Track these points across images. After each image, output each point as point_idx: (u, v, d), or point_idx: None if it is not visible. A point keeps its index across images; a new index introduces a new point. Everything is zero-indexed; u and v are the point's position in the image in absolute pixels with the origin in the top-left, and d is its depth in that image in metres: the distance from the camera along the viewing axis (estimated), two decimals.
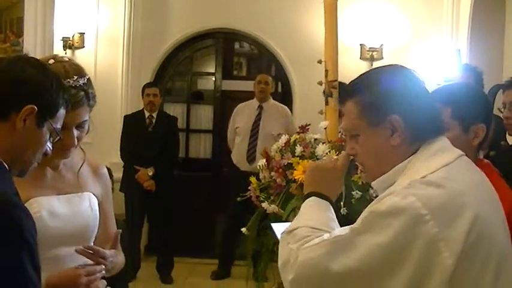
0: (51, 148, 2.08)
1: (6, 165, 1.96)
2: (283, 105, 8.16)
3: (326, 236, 1.98)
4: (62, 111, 2.07)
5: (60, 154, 2.48)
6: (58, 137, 2.09)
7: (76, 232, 2.52)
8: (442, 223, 1.79)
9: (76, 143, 2.46)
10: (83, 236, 2.57)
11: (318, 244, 1.96)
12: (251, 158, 7.73)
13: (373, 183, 2.13)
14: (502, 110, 3.92)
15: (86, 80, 2.47)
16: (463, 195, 1.87)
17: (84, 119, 2.47)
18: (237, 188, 6.95)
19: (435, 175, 1.92)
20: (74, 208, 2.54)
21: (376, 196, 2.02)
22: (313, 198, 2.26)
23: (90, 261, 2.47)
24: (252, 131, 7.84)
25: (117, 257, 2.63)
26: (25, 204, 2.34)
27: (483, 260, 1.83)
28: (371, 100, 2.03)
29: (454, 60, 7.16)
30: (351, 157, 2.21)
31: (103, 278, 2.52)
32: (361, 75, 2.17)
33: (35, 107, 1.95)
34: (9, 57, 2.10)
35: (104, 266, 2.49)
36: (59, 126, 2.07)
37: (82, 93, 2.44)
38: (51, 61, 2.46)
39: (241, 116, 7.98)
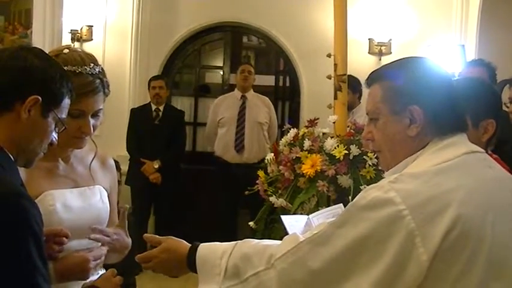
0: (56, 138, 2.08)
1: (11, 156, 1.96)
2: (264, 96, 8.15)
3: (301, 238, 2.00)
4: (66, 101, 2.07)
5: (75, 143, 2.50)
6: (63, 127, 2.09)
7: (88, 225, 2.52)
8: (420, 219, 1.79)
9: (92, 130, 2.47)
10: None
11: (292, 250, 1.99)
12: (239, 146, 7.72)
13: (385, 174, 2.13)
14: (508, 105, 3.91)
15: (101, 68, 2.49)
16: (450, 193, 1.84)
17: (100, 107, 2.49)
18: (232, 181, 7.06)
19: (427, 170, 1.91)
20: (86, 201, 2.56)
21: None
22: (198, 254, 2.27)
23: (94, 244, 2.49)
24: (239, 120, 7.80)
25: (123, 236, 2.65)
26: (39, 197, 2.38)
27: (467, 260, 1.81)
28: (396, 87, 2.03)
29: (458, 55, 7.14)
30: None
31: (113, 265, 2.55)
32: (391, 62, 2.18)
33: (40, 97, 1.95)
34: (12, 48, 2.09)
35: (106, 248, 2.52)
36: (64, 116, 2.07)
37: (98, 80, 2.45)
38: (66, 50, 2.48)
39: (224, 107, 7.94)
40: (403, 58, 2.19)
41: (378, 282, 1.81)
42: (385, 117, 2.05)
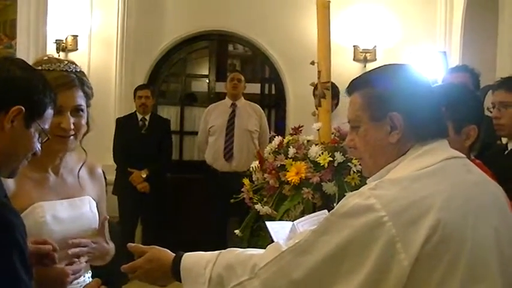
0: (40, 148, 2.08)
1: None
2: (255, 104, 8.15)
3: (283, 247, 2.01)
4: (49, 112, 2.07)
5: (59, 143, 2.49)
6: (46, 138, 2.09)
7: (78, 235, 2.54)
8: (400, 225, 1.80)
9: (72, 127, 2.46)
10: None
11: (274, 260, 2.00)
12: (228, 155, 7.72)
13: (368, 180, 2.14)
14: (491, 110, 3.94)
15: (78, 69, 2.51)
16: (429, 198, 1.86)
17: (78, 103, 2.49)
18: (219, 189, 7.04)
19: (407, 176, 1.93)
20: (76, 212, 2.57)
21: None
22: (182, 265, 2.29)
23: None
24: (228, 128, 7.80)
25: (101, 244, 2.65)
26: (29, 209, 2.38)
27: (448, 265, 1.82)
28: (376, 94, 2.05)
29: (440, 62, 7.19)
30: None
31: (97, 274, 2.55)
32: (371, 70, 2.20)
33: (23, 108, 1.95)
34: None
35: (84, 260, 2.52)
36: (46, 126, 2.07)
37: (73, 75, 2.47)
38: (45, 57, 2.53)
39: (214, 116, 7.94)
40: (383, 65, 2.21)
41: None
42: (366, 125, 2.07)
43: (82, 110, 2.51)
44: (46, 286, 2.33)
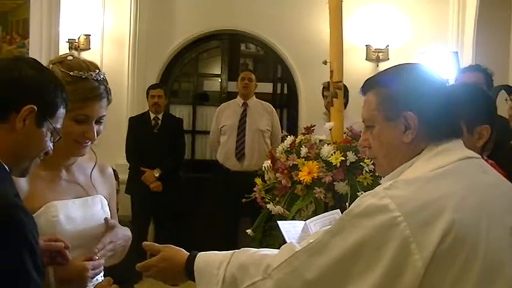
0: (52, 148, 2.08)
1: (6, 167, 1.97)
2: (267, 103, 8.12)
3: (297, 247, 2.01)
4: (61, 111, 2.08)
5: (78, 149, 2.51)
6: (59, 137, 2.10)
7: (90, 234, 2.54)
8: (415, 226, 1.80)
9: (96, 137, 2.48)
10: (97, 238, 2.58)
11: (288, 260, 2.00)
12: (240, 154, 7.70)
13: (382, 180, 2.14)
14: (509, 101, 3.92)
15: (104, 75, 2.51)
16: (444, 199, 1.85)
17: (104, 114, 2.51)
18: (233, 188, 7.02)
19: (422, 176, 1.93)
20: (88, 211, 2.57)
21: None
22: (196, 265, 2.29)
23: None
24: (239, 128, 7.78)
25: (121, 233, 2.66)
26: (42, 208, 2.39)
27: (462, 266, 1.81)
28: (391, 94, 2.04)
29: (451, 62, 7.16)
30: None
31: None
32: (386, 69, 2.19)
33: (35, 107, 1.95)
34: (6, 58, 2.11)
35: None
36: (58, 125, 2.08)
37: (103, 86, 2.48)
38: (70, 57, 2.51)
39: (226, 115, 7.92)
40: (397, 65, 2.20)
41: None
42: (380, 124, 2.06)
43: (104, 118, 2.53)
44: (66, 281, 2.34)
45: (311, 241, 1.98)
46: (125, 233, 2.69)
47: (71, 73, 2.41)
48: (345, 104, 7.03)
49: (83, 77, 2.42)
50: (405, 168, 2.01)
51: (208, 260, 2.27)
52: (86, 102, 2.40)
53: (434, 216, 1.81)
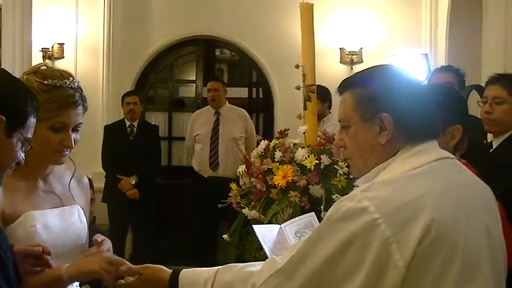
0: (23, 157, 2.07)
1: None
2: (241, 108, 8.12)
3: (279, 262, 2.01)
4: (32, 120, 2.06)
5: (56, 158, 2.51)
6: (30, 147, 2.08)
7: (68, 244, 2.55)
8: (394, 227, 1.80)
9: (73, 144, 2.48)
10: (74, 248, 2.59)
11: (272, 276, 2.00)
12: (214, 164, 7.74)
13: (357, 181, 2.15)
14: (481, 105, 3.96)
15: (78, 83, 2.51)
16: (422, 199, 1.86)
17: (80, 121, 2.51)
18: (208, 194, 7.03)
19: (398, 177, 1.94)
20: (66, 221, 2.57)
21: None
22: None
23: None
24: (212, 138, 7.82)
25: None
26: (20, 218, 2.39)
27: (442, 265, 1.83)
28: (367, 94, 2.04)
29: (422, 64, 7.23)
30: None
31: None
32: (364, 69, 2.19)
33: (3, 118, 1.94)
34: None
35: None
36: (29, 135, 2.06)
37: (78, 94, 2.48)
38: (43, 67, 2.51)
39: (199, 123, 7.96)
40: (374, 66, 2.21)
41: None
42: (356, 125, 2.07)
43: (80, 126, 2.52)
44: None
45: (293, 253, 1.97)
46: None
47: (46, 82, 2.41)
48: (329, 106, 7.11)
49: (58, 85, 2.42)
50: (380, 169, 2.02)
51: (193, 279, 2.26)
52: (62, 110, 2.40)
53: (413, 216, 1.82)
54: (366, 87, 2.06)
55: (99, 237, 2.57)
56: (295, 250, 1.98)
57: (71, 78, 2.48)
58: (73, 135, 2.48)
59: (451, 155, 2.11)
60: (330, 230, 1.88)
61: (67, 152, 2.50)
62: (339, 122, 2.16)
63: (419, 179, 1.93)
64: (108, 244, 2.56)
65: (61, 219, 2.54)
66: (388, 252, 1.79)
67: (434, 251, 1.82)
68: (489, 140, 4.15)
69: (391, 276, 1.80)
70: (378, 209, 1.82)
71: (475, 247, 1.91)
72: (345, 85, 2.15)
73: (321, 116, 6.07)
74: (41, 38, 8.07)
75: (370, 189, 1.90)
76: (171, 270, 2.33)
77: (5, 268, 1.82)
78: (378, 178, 1.98)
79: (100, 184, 7.47)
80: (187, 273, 2.29)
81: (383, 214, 1.81)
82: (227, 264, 2.28)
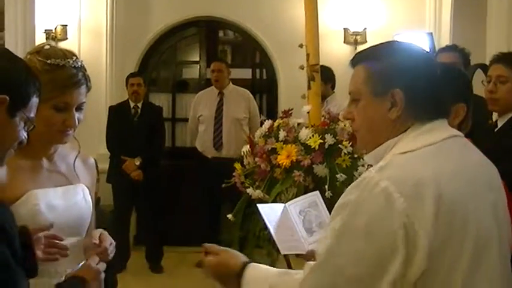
0: (26, 137, 2.07)
1: None
2: (244, 89, 8.14)
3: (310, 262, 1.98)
4: (34, 100, 2.06)
5: (59, 137, 2.51)
6: (32, 126, 2.08)
7: (72, 223, 2.55)
8: (414, 205, 1.79)
9: (77, 124, 2.48)
10: (78, 227, 2.60)
11: (311, 273, 1.95)
12: (218, 144, 7.76)
13: (365, 157, 2.14)
14: (485, 84, 3.95)
15: (82, 62, 2.50)
16: (436, 176, 1.84)
17: (83, 100, 2.50)
18: (211, 175, 7.04)
19: (413, 155, 1.92)
20: (70, 200, 2.56)
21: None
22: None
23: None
24: (216, 118, 7.83)
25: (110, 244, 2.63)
26: (24, 197, 2.39)
27: (457, 246, 1.82)
28: (380, 69, 2.02)
29: (426, 43, 7.19)
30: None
31: None
32: (378, 44, 2.16)
33: (6, 97, 1.93)
34: None
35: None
36: (32, 115, 2.06)
37: (81, 73, 2.47)
38: (47, 46, 2.51)
39: (203, 104, 7.96)
40: (389, 41, 2.19)
41: (394, 280, 1.80)
42: (367, 99, 2.04)
43: (83, 105, 2.52)
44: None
45: (320, 248, 1.94)
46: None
47: (48, 61, 2.40)
48: (332, 87, 7.10)
49: (60, 64, 2.42)
50: (390, 145, 2.00)
51: (256, 276, 2.22)
52: (65, 89, 2.40)
53: (429, 194, 1.81)
54: (379, 62, 2.04)
55: (97, 232, 2.57)
56: (324, 243, 1.93)
57: (74, 58, 2.47)
58: (76, 115, 2.48)
59: (461, 134, 2.09)
60: (353, 217, 1.85)
61: (70, 132, 2.50)
62: (349, 94, 2.13)
63: (432, 157, 1.92)
64: (107, 241, 2.55)
65: (65, 198, 2.54)
66: (413, 231, 1.78)
67: (449, 231, 1.81)
68: (494, 120, 4.13)
69: (419, 258, 1.79)
70: (396, 188, 1.80)
71: (486, 228, 1.91)
72: (358, 58, 2.12)
73: (324, 97, 6.06)
74: (44, 19, 8.04)
75: (385, 168, 1.88)
76: (244, 260, 2.30)
77: (13, 245, 1.82)
78: (389, 155, 1.96)
79: (104, 165, 7.48)
80: (254, 269, 2.25)
81: (402, 193, 1.80)
82: (290, 270, 2.26)
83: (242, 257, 2.32)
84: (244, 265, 2.25)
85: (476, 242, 1.85)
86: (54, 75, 2.39)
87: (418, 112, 2.00)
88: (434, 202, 1.80)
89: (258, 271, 2.24)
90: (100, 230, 2.61)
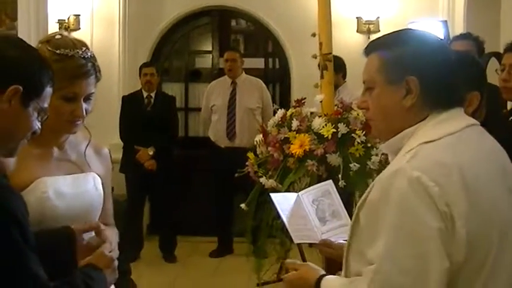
0: (39, 127, 2.08)
1: None
2: (257, 78, 8.16)
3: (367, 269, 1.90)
4: (48, 90, 2.06)
5: (68, 127, 2.50)
6: (46, 116, 2.09)
7: (81, 211, 2.53)
8: (448, 193, 1.79)
9: (85, 114, 2.48)
10: (88, 215, 2.58)
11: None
12: (231, 134, 7.79)
13: (381, 147, 2.16)
14: (499, 72, 3.92)
15: (92, 53, 2.50)
16: (464, 165, 1.85)
17: (92, 91, 2.50)
18: (224, 164, 7.04)
19: (439, 143, 1.91)
20: (79, 188, 2.56)
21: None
22: None
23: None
24: (229, 108, 7.86)
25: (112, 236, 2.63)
26: (32, 184, 2.39)
27: (489, 231, 1.83)
28: (394, 57, 2.02)
29: (440, 31, 7.14)
30: None
31: None
32: (392, 32, 2.15)
33: (20, 87, 1.93)
34: None
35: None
36: (46, 105, 2.06)
37: (90, 63, 2.47)
38: (58, 36, 2.50)
39: (216, 94, 7.99)
40: (403, 29, 2.19)
41: (445, 273, 1.79)
42: (381, 87, 2.04)
43: (92, 96, 2.52)
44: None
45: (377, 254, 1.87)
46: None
47: (57, 51, 2.40)
48: (343, 76, 7.09)
49: (69, 54, 2.42)
50: (408, 134, 1.99)
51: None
52: (73, 80, 2.40)
53: (459, 183, 1.82)
54: (393, 50, 2.03)
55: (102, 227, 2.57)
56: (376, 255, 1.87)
57: (83, 48, 2.47)
58: (84, 105, 2.47)
59: (477, 122, 2.08)
60: (396, 213, 1.82)
61: (79, 122, 2.50)
62: (364, 83, 2.12)
63: (454, 146, 1.92)
64: (108, 240, 2.52)
65: (74, 186, 2.54)
66: (452, 221, 1.78)
67: (480, 219, 1.82)
68: (509, 108, 4.11)
69: (457, 246, 1.79)
70: (430, 178, 1.80)
71: (505, 214, 1.91)
72: (372, 46, 2.11)
73: (335, 86, 6.03)
74: (57, 9, 8.08)
75: (414, 158, 1.87)
76: (320, 273, 2.26)
77: (26, 233, 1.83)
78: (412, 145, 1.95)
79: (117, 155, 7.50)
80: (328, 282, 2.20)
81: (436, 181, 1.80)
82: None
83: (320, 271, 2.29)
84: (320, 278, 2.21)
85: (500, 230, 1.86)
86: (63, 65, 2.38)
87: (434, 100, 1.99)
88: (465, 190, 1.81)
89: (331, 281, 2.20)
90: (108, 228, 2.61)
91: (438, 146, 1.91)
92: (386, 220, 1.84)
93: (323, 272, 2.25)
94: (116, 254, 2.40)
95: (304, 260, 2.93)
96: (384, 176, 1.92)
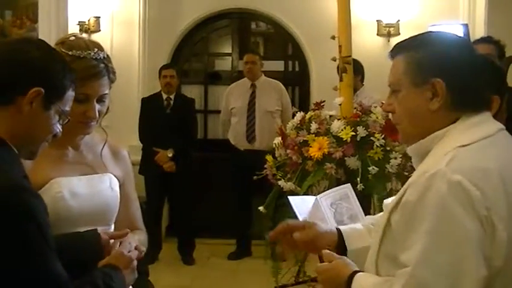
0: (60, 130, 2.08)
1: (14, 149, 1.97)
2: (276, 81, 8.16)
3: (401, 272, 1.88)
4: (70, 93, 2.06)
5: (82, 129, 2.51)
6: (67, 119, 2.09)
7: (96, 212, 2.55)
8: (488, 197, 1.78)
9: (97, 115, 2.49)
10: (103, 216, 2.60)
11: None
12: (251, 137, 7.80)
13: (408, 150, 2.12)
14: None
15: (105, 55, 2.51)
16: (499, 168, 1.84)
17: (105, 92, 2.51)
18: (244, 167, 7.04)
19: (476, 146, 1.90)
20: (95, 188, 2.56)
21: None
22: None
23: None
24: (249, 110, 7.87)
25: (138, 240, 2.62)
26: (47, 185, 2.40)
27: None
28: (420, 59, 2.01)
29: (461, 35, 7.10)
30: None
31: None
32: (417, 34, 2.14)
33: (42, 90, 1.94)
34: (12, 40, 2.10)
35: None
36: (67, 108, 2.07)
37: (103, 65, 2.48)
38: (72, 37, 2.52)
39: (235, 96, 8.00)
40: (428, 31, 2.19)
41: (482, 282, 1.78)
42: (407, 90, 2.03)
43: (106, 97, 2.53)
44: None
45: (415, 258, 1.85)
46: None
47: (70, 52, 2.41)
48: (362, 80, 7.06)
49: (81, 56, 2.43)
50: (437, 136, 1.98)
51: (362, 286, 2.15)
52: (85, 81, 2.39)
53: (500, 186, 1.81)
54: (419, 52, 2.02)
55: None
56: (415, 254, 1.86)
57: (96, 49, 2.47)
58: (97, 106, 2.48)
59: (503, 126, 2.05)
60: (434, 219, 1.81)
61: (93, 123, 2.51)
62: (389, 86, 2.11)
63: (490, 150, 1.91)
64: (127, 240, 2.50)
65: (89, 186, 2.55)
66: (494, 226, 1.78)
67: None
68: None
69: (497, 250, 1.78)
70: (470, 181, 1.79)
71: None
72: (397, 49, 2.10)
73: (354, 89, 6.02)
74: (78, 11, 8.12)
75: (453, 161, 1.85)
76: (354, 268, 2.21)
77: (47, 235, 1.84)
78: (441, 148, 1.94)
79: (137, 157, 7.52)
80: (360, 279, 2.15)
81: (476, 185, 1.79)
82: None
83: (353, 266, 2.24)
84: (354, 273, 2.17)
85: None
86: (75, 66, 2.39)
87: (461, 103, 1.98)
88: (504, 194, 1.80)
89: (364, 278, 2.16)
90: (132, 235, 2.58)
91: (475, 149, 1.89)
92: (423, 223, 1.82)
93: (357, 268, 2.22)
94: (134, 254, 2.40)
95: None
96: (419, 178, 1.89)
